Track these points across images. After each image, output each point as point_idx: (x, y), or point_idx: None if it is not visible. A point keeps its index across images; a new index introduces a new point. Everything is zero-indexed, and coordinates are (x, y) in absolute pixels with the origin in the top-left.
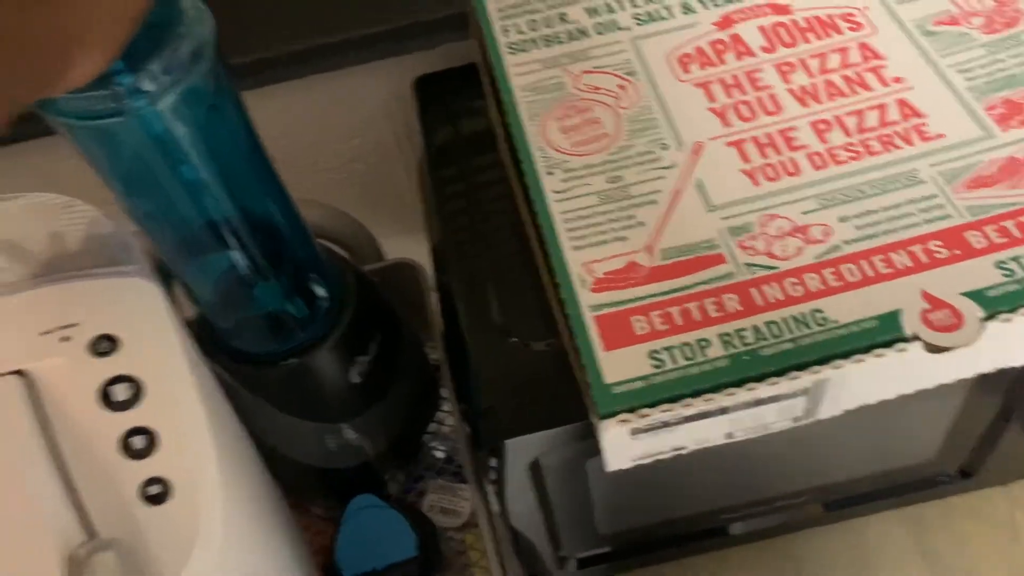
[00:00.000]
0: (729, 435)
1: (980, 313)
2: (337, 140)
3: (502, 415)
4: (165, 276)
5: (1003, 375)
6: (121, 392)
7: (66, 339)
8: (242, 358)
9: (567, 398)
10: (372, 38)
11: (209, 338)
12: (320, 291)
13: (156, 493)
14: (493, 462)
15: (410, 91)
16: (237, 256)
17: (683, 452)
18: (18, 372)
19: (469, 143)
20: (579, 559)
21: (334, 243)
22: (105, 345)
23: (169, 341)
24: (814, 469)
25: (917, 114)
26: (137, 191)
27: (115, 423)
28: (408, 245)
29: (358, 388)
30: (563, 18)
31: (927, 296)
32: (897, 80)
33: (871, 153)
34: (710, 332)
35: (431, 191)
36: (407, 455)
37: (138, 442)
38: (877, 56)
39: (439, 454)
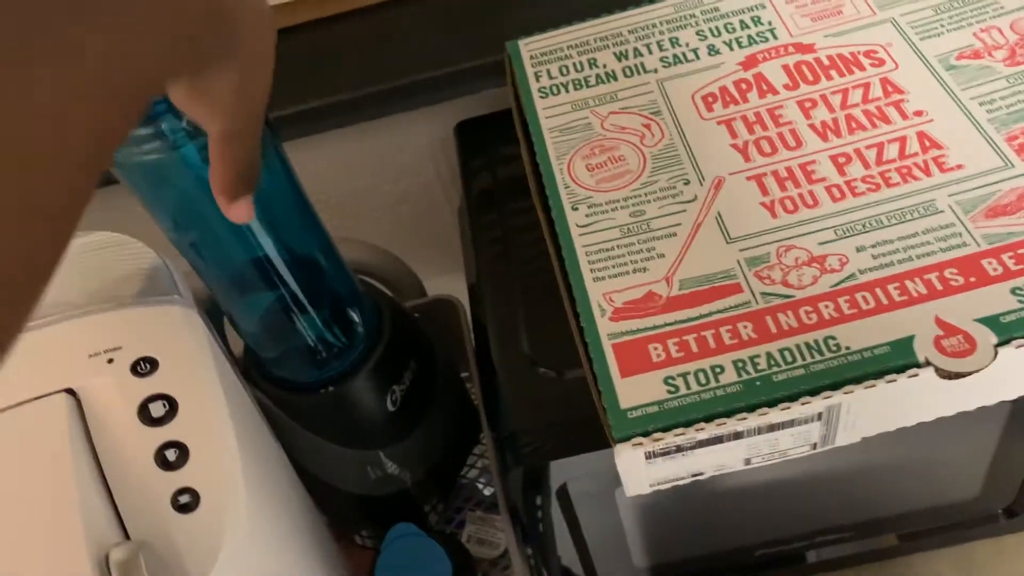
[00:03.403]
0: (747, 461)
1: (993, 339)
2: (386, 183)
3: (527, 441)
4: (217, 312)
5: None
6: (157, 409)
7: (111, 361)
8: (284, 386)
9: (592, 426)
10: (417, 85)
11: (255, 368)
12: (357, 323)
13: (186, 502)
14: (519, 487)
15: (452, 135)
16: (279, 291)
17: (702, 478)
18: (68, 390)
19: (506, 185)
20: None
21: (378, 280)
22: (145, 366)
23: (204, 363)
24: (854, 505)
25: (937, 146)
26: (183, 228)
27: (151, 437)
28: (453, 283)
29: (394, 416)
30: (592, 63)
31: (940, 323)
32: (918, 113)
33: (889, 184)
34: (724, 359)
35: (468, 231)
36: (447, 486)
37: (171, 455)
38: (899, 91)
39: (479, 486)
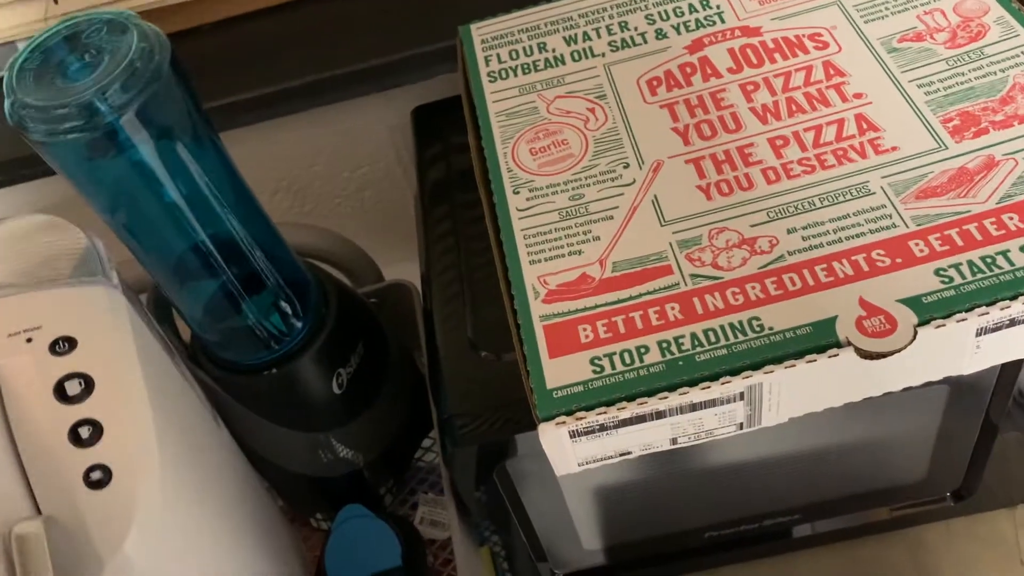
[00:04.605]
0: (673, 441)
1: (914, 319)
2: (347, 169)
3: (465, 422)
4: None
5: (978, 395)
6: (73, 387)
7: (30, 340)
8: (229, 368)
9: (527, 407)
10: (375, 70)
11: (202, 351)
12: (300, 306)
13: (98, 479)
14: (458, 468)
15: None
16: (217, 275)
17: (630, 457)
18: None
19: (459, 171)
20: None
21: (333, 265)
22: (64, 345)
23: (124, 343)
24: (802, 487)
25: (874, 128)
26: (114, 210)
27: (65, 415)
28: (415, 269)
29: (341, 399)
30: (542, 47)
31: (863, 303)
32: (858, 96)
33: (824, 167)
34: (649, 339)
35: (420, 216)
36: (401, 468)
37: (84, 432)
38: (840, 73)
39: (434, 468)
